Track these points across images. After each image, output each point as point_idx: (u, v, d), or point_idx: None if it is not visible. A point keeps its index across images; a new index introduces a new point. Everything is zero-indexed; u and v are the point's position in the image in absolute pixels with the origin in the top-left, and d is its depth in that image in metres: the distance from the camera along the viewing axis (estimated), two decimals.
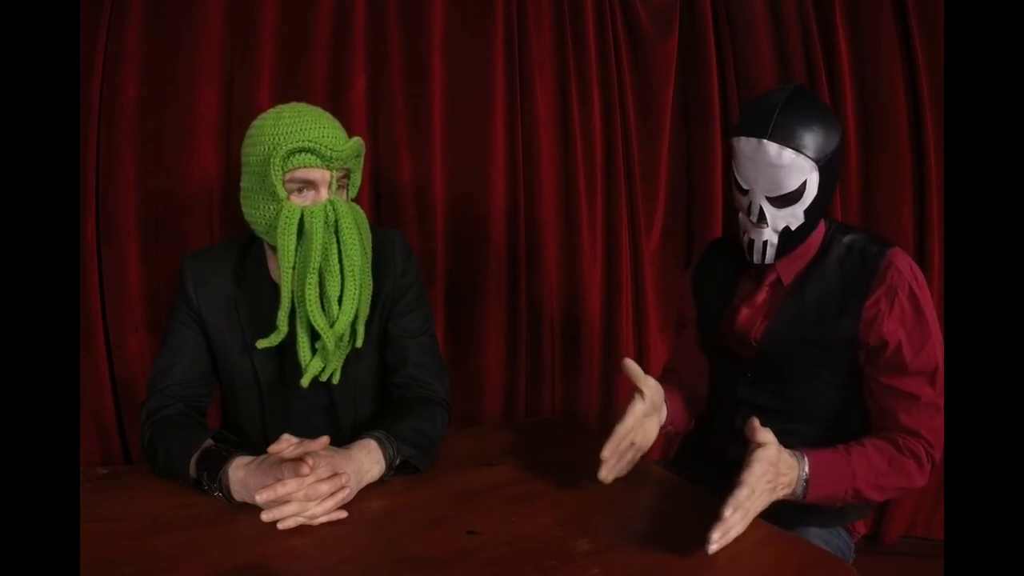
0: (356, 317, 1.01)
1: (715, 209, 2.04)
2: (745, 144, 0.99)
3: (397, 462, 0.98)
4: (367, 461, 0.94)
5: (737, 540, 0.80)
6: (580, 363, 2.01)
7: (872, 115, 1.98)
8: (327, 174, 0.98)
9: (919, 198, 1.96)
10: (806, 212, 1.01)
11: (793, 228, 1.02)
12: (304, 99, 1.09)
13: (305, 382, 1.03)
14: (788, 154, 0.96)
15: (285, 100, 1.08)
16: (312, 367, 1.02)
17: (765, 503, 0.86)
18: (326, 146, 0.95)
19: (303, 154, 0.95)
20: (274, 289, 1.09)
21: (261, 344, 1.01)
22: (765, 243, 1.03)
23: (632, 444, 0.98)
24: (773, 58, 2.03)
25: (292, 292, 0.98)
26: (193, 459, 0.94)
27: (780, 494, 0.89)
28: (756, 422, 0.86)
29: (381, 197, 1.85)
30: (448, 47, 1.86)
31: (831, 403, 1.08)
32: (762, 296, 1.11)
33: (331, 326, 0.98)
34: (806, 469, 0.91)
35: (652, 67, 2.03)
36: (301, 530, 0.84)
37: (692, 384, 1.27)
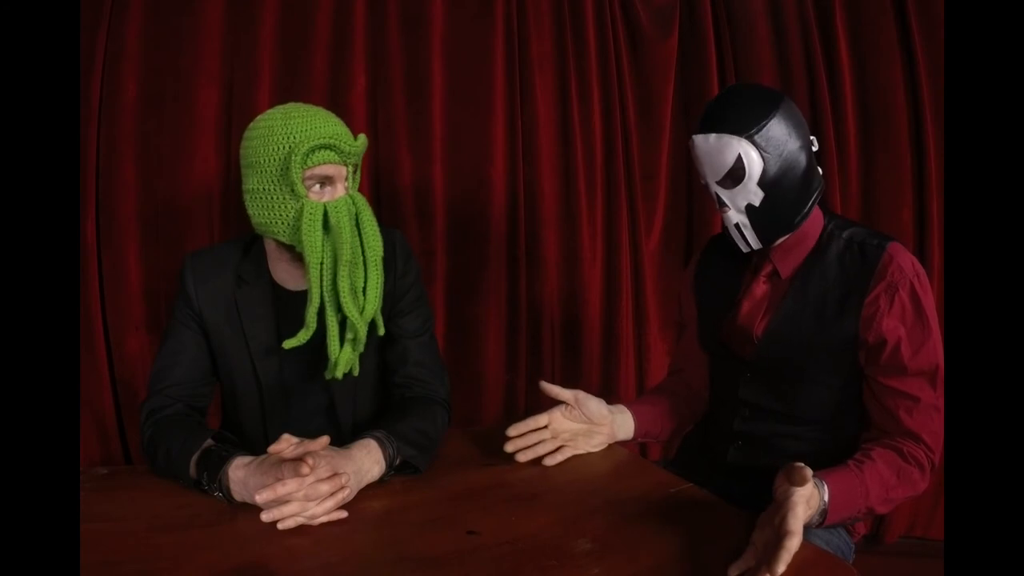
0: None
1: (715, 209, 2.04)
2: (689, 149, 1.09)
3: (397, 462, 0.98)
4: (367, 461, 0.95)
5: (738, 539, 0.79)
6: (580, 363, 2.01)
7: (872, 115, 1.98)
8: (343, 169, 1.01)
9: (919, 198, 1.97)
10: (763, 187, 1.02)
11: (757, 204, 1.03)
12: (304, 99, 1.09)
13: (339, 373, 1.05)
14: (712, 137, 1.03)
15: (285, 100, 1.07)
16: (344, 358, 1.04)
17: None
18: (344, 142, 0.99)
19: (323, 151, 0.97)
20: (275, 289, 1.10)
21: (289, 344, 1.01)
22: (737, 226, 1.06)
23: (554, 439, 1.07)
24: (773, 58, 2.03)
25: (321, 287, 0.99)
26: (193, 459, 0.94)
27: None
28: (807, 471, 0.80)
29: (381, 197, 1.85)
30: (448, 47, 1.86)
31: (830, 404, 1.07)
32: (761, 289, 1.11)
33: (360, 314, 1.01)
34: (825, 497, 0.89)
35: (652, 67, 2.03)
36: (301, 530, 0.84)
37: (697, 384, 1.27)
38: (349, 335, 1.03)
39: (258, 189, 1.01)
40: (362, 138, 1.04)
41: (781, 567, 0.71)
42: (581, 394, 1.11)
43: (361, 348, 1.06)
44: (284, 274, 1.11)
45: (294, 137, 0.96)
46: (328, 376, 1.06)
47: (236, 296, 1.10)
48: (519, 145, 1.91)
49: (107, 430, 1.69)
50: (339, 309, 1.00)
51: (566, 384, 1.13)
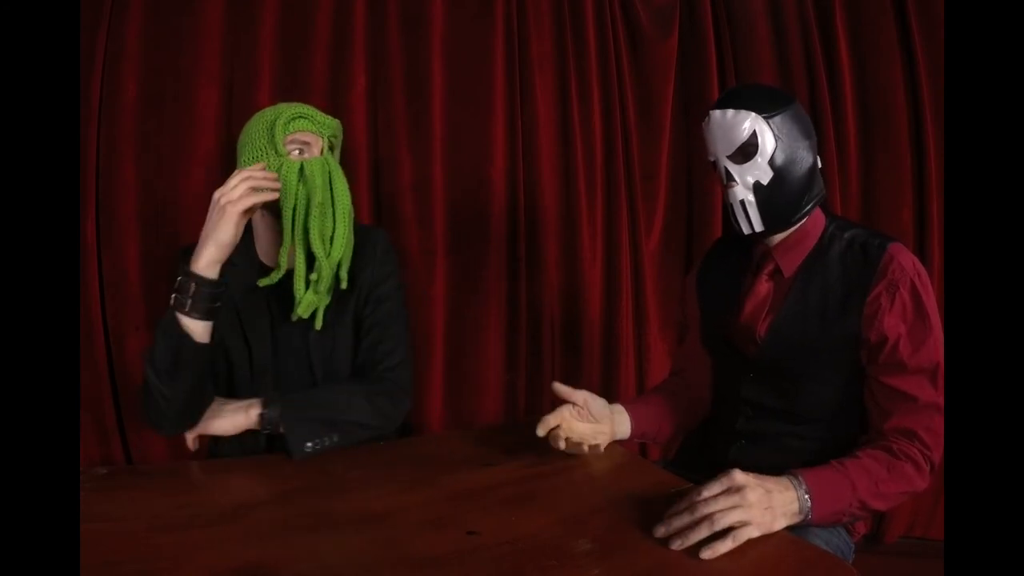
0: (340, 264, 1.12)
1: (715, 209, 2.05)
2: (703, 127, 1.11)
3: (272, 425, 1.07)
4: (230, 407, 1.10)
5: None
6: (580, 363, 2.01)
7: (872, 115, 1.99)
8: (320, 139, 1.15)
9: (919, 198, 1.97)
10: (773, 167, 1.04)
11: (765, 183, 1.05)
12: (304, 99, 1.16)
13: (303, 312, 1.12)
14: (730, 112, 1.06)
15: (285, 100, 1.15)
16: (307, 299, 1.11)
17: (740, 519, 0.79)
18: (318, 114, 1.16)
19: (301, 120, 1.14)
20: (262, 269, 1.18)
21: (263, 282, 1.12)
22: (742, 203, 1.06)
23: (567, 439, 1.06)
24: (773, 58, 2.03)
25: (293, 230, 1.09)
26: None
27: (781, 518, 0.84)
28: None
29: (381, 197, 1.85)
30: (448, 47, 1.86)
31: (832, 403, 1.07)
32: (764, 288, 1.11)
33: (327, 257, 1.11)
34: (804, 487, 0.88)
35: (652, 67, 2.04)
36: (302, 530, 0.84)
37: (697, 385, 1.27)
38: (314, 277, 1.11)
39: (250, 160, 1.14)
40: (336, 120, 1.19)
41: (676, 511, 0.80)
42: (589, 395, 1.11)
43: (324, 292, 1.13)
44: (271, 251, 1.19)
45: (278, 112, 1.14)
46: (294, 317, 1.13)
47: (227, 281, 1.13)
48: (519, 145, 1.91)
49: (107, 430, 1.69)
50: (308, 253, 1.10)
51: (567, 384, 1.13)
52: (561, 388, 1.09)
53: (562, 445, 1.04)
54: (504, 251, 1.92)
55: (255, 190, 1.04)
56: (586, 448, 1.07)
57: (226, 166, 1.70)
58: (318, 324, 1.15)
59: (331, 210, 1.11)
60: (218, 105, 1.71)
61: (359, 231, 1.18)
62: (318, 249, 1.09)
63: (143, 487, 0.98)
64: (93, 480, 1.00)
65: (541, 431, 1.04)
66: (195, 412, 1.08)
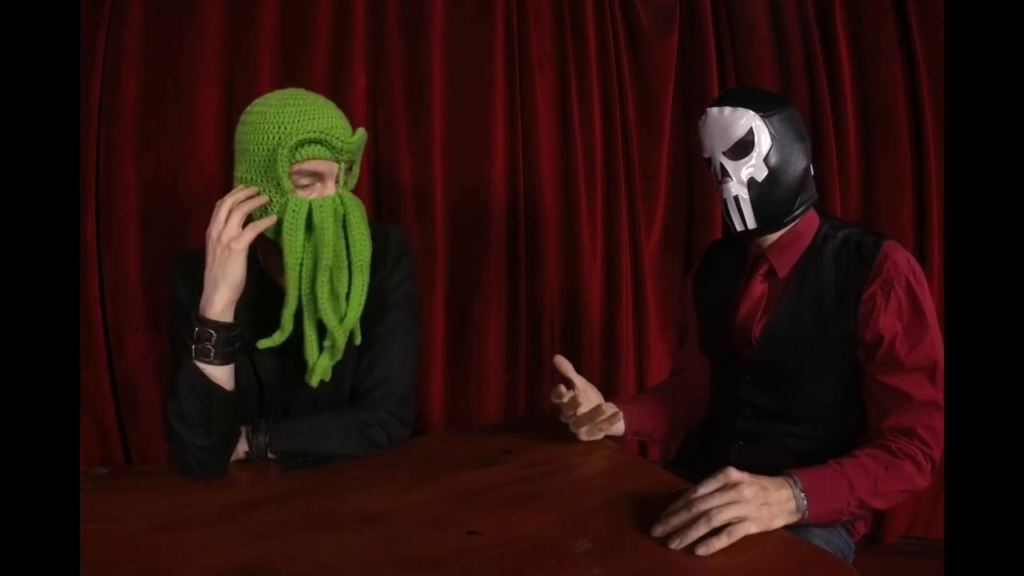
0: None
1: (715, 209, 2.04)
2: (700, 125, 1.12)
3: (264, 448, 1.01)
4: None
5: (738, 538, 0.79)
6: (580, 363, 2.00)
7: (872, 115, 1.99)
8: (335, 166, 0.96)
9: (919, 198, 1.97)
10: (768, 165, 1.05)
11: (760, 180, 1.05)
12: None
13: (314, 382, 1.01)
14: (728, 109, 1.07)
15: None
16: (321, 365, 1.00)
17: (737, 515, 0.79)
18: (336, 137, 0.93)
19: (313, 146, 0.92)
20: (268, 283, 1.07)
21: (263, 344, 0.98)
22: (736, 199, 1.07)
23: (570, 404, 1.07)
24: (773, 58, 2.03)
25: (299, 289, 0.95)
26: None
27: (779, 515, 0.84)
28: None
29: (381, 197, 1.85)
30: (448, 47, 1.86)
31: (831, 403, 1.07)
32: (759, 289, 1.11)
33: (340, 322, 0.97)
34: (800, 485, 0.88)
35: (652, 67, 2.03)
36: (302, 530, 0.84)
37: (696, 385, 1.27)
38: (328, 343, 0.99)
39: (246, 179, 0.97)
40: (360, 132, 0.99)
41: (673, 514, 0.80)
42: (587, 382, 1.12)
43: (339, 356, 1.02)
44: (274, 263, 1.05)
45: (285, 128, 0.91)
46: (313, 383, 1.03)
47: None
48: (519, 145, 1.91)
49: (107, 430, 1.69)
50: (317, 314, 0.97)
51: (565, 385, 1.12)
52: (563, 363, 1.08)
53: (565, 398, 1.05)
54: (504, 251, 1.92)
55: (250, 216, 0.95)
56: (591, 414, 1.07)
57: (226, 166, 1.70)
58: (326, 376, 1.03)
59: (346, 263, 0.95)
60: (218, 105, 1.71)
61: (370, 230, 1.02)
62: (328, 317, 0.94)
63: (143, 487, 0.98)
64: (93, 480, 1.00)
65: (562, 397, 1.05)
66: (230, 451, 1.00)
